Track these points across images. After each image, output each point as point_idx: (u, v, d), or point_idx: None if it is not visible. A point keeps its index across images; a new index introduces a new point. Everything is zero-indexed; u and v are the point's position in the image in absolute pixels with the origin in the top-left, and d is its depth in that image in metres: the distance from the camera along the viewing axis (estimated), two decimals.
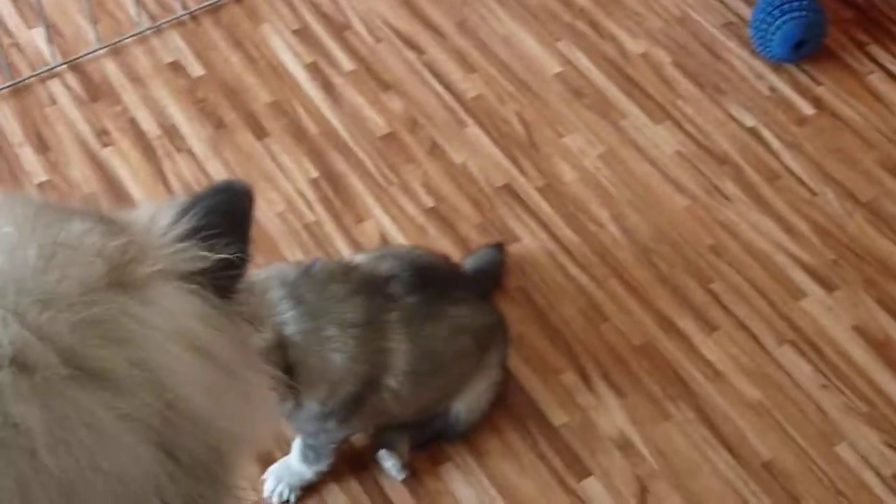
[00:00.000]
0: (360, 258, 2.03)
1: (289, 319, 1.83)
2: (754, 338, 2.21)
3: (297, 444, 2.02)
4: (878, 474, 2.05)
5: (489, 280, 2.26)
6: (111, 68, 2.68)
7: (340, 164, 2.49)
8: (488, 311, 2.11)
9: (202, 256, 1.11)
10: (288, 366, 1.82)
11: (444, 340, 1.99)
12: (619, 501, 2.03)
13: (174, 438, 1.05)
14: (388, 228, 2.37)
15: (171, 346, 1.06)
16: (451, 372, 2.04)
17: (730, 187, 2.43)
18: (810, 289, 2.27)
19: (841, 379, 2.16)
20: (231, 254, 1.14)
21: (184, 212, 1.13)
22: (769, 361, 2.18)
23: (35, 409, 0.95)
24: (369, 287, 1.92)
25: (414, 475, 2.07)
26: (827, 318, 2.24)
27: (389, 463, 2.05)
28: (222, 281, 1.14)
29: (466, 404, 2.08)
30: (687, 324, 2.23)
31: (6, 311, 0.97)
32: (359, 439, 2.09)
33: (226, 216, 1.14)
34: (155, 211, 1.15)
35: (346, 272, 1.93)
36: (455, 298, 2.03)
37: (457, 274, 2.13)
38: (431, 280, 2.00)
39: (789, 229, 2.36)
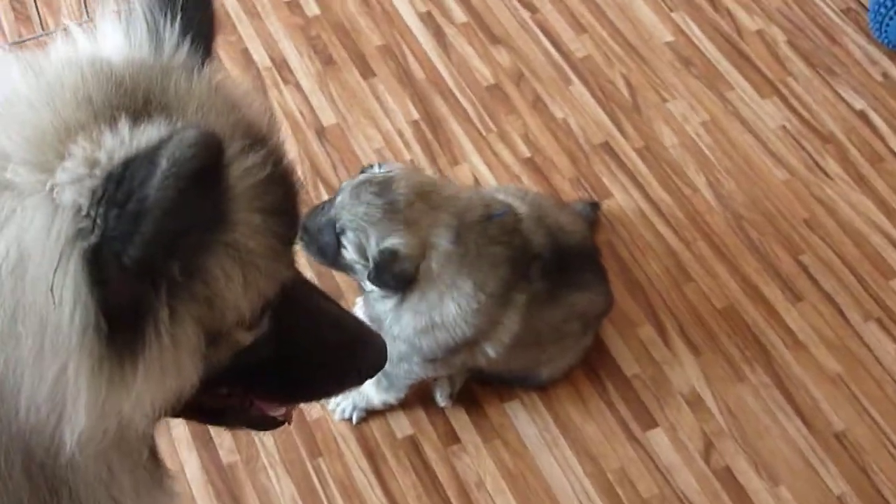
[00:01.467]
0: (524, 210, 1.98)
1: (442, 247, 1.82)
2: (840, 312, 2.18)
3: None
4: None
5: None
6: (231, 1, 2.73)
7: (442, 109, 2.50)
8: (605, 297, 2.09)
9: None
10: (412, 277, 1.83)
11: (554, 323, 2.00)
12: (684, 454, 2.01)
13: None
14: (482, 173, 2.38)
15: None
16: (550, 349, 2.05)
17: (832, 165, 2.39)
18: None
19: None
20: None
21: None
22: (852, 336, 2.15)
23: None
24: (517, 262, 1.90)
25: (479, 407, 2.07)
26: None
27: (438, 389, 2.05)
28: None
29: (552, 368, 2.08)
30: (772, 292, 2.20)
31: None
32: None
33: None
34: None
35: (511, 234, 1.90)
36: (581, 284, 2.01)
37: (592, 257, 2.09)
38: (568, 264, 1.98)
39: (889, 211, 2.32)
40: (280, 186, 1.04)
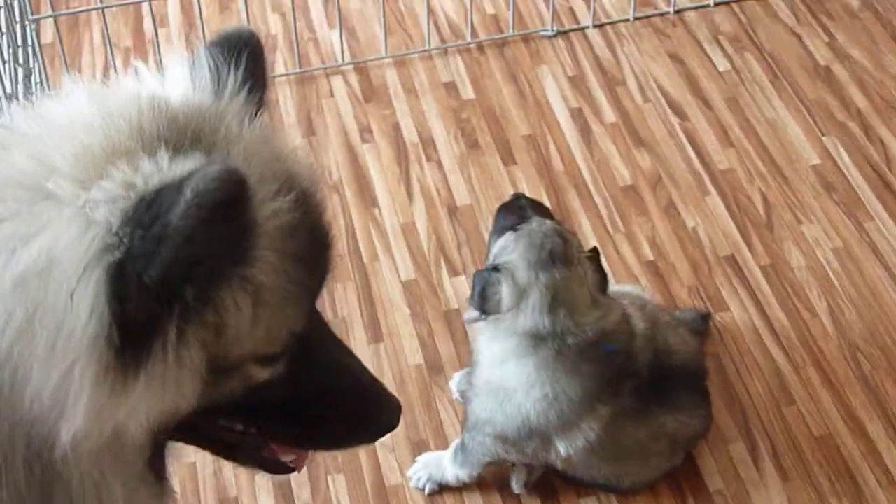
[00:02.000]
0: (640, 326, 1.96)
1: (535, 322, 1.83)
2: None
3: (454, 442, 2.06)
4: None
5: None
6: (391, 76, 2.84)
7: (575, 203, 2.53)
8: (700, 420, 2.06)
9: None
10: (495, 309, 1.85)
11: (640, 441, 1.98)
12: None
13: None
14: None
15: None
16: (630, 466, 2.04)
17: None
18: None
19: None
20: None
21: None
22: None
23: None
24: (609, 380, 1.90)
25: (555, 500, 2.07)
26: None
27: (515, 475, 2.06)
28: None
29: (634, 480, 2.07)
30: (875, 428, 2.15)
31: None
32: None
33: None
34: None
35: (611, 357, 1.91)
36: (674, 406, 1.99)
37: (696, 379, 2.06)
38: (665, 385, 1.97)
39: None
40: (309, 236, 1.10)
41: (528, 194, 2.49)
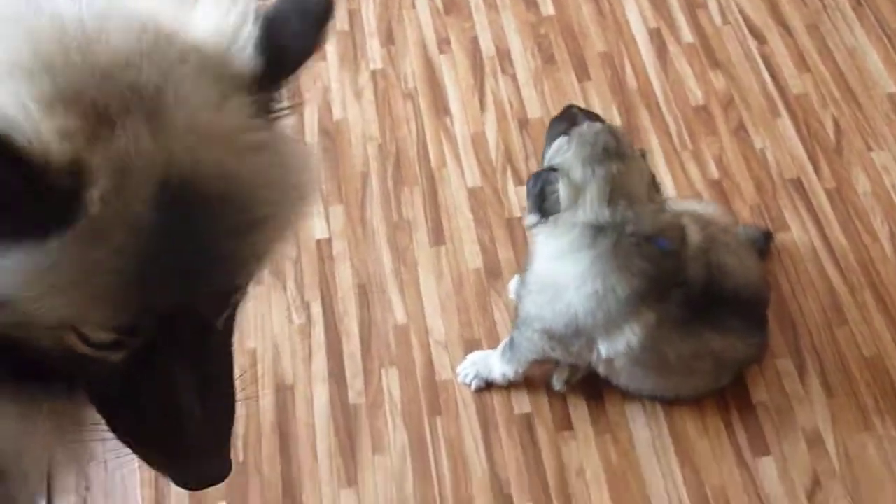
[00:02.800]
0: (696, 238, 1.99)
1: (593, 215, 1.87)
2: None
3: (503, 341, 2.11)
4: None
5: None
6: None
7: (645, 121, 2.56)
8: (753, 347, 2.09)
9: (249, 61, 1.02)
10: (554, 209, 1.89)
11: (683, 355, 2.01)
12: (788, 488, 2.00)
13: None
14: (665, 184, 2.39)
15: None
16: (671, 380, 2.07)
17: None
18: None
19: None
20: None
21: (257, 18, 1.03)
22: None
23: None
24: (658, 281, 1.93)
25: (600, 401, 2.12)
26: None
27: (556, 373, 2.11)
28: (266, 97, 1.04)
29: (677, 395, 2.11)
30: None
31: None
32: None
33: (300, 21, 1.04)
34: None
35: (663, 259, 1.92)
36: (723, 328, 2.01)
37: (751, 300, 2.07)
38: (714, 301, 1.99)
39: None
40: (155, 248, 0.98)
41: (600, 111, 2.54)
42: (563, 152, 1.92)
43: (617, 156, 1.88)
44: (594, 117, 2.02)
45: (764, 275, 2.16)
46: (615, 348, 1.97)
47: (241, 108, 1.02)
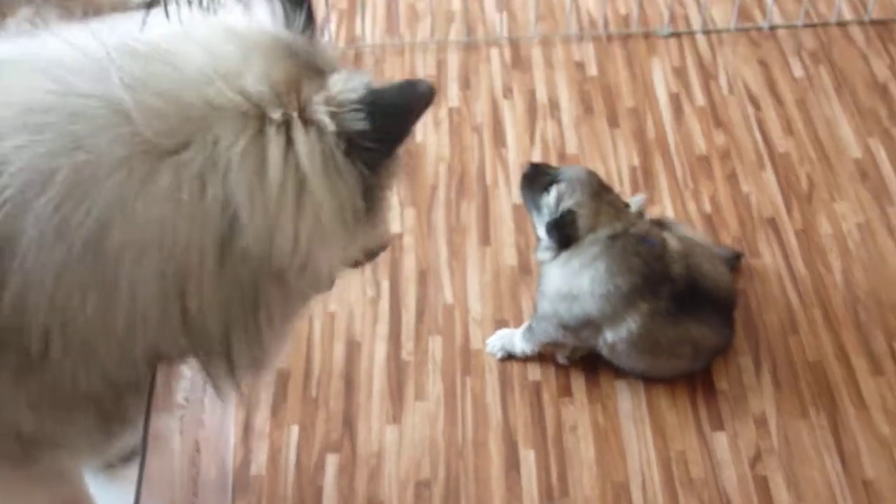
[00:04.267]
0: (675, 245, 2.03)
1: (603, 234, 1.94)
2: None
3: (524, 324, 2.16)
4: None
5: None
6: (536, 52, 2.92)
7: (658, 164, 2.59)
8: (722, 337, 2.11)
9: (355, 123, 1.06)
10: (574, 240, 1.95)
11: (669, 341, 2.03)
12: (735, 457, 2.01)
13: (227, 237, 1.01)
14: (668, 214, 2.45)
15: (250, 170, 1.02)
16: (660, 361, 2.09)
17: None
18: None
19: None
20: (380, 139, 1.07)
21: (369, 87, 1.09)
22: None
23: None
24: (650, 278, 1.97)
25: (595, 375, 2.15)
26: None
27: (561, 351, 2.15)
28: (363, 152, 1.08)
29: (661, 375, 2.13)
30: (859, 362, 2.16)
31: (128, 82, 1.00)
32: None
33: (396, 106, 1.08)
34: (350, 75, 1.11)
35: (654, 259, 1.97)
36: (701, 319, 2.04)
37: (722, 299, 2.10)
38: (694, 297, 2.02)
39: None
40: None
41: (623, 154, 2.58)
42: (571, 195, 1.96)
43: (604, 185, 1.96)
44: (555, 167, 2.09)
45: (732, 280, 2.18)
46: (618, 335, 2.01)
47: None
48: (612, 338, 2.01)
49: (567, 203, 1.96)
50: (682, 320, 2.02)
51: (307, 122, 1.05)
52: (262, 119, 1.03)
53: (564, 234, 1.94)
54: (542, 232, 2.01)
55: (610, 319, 2.00)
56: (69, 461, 1.22)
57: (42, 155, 0.95)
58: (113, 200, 0.97)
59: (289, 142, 1.03)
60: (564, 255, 1.98)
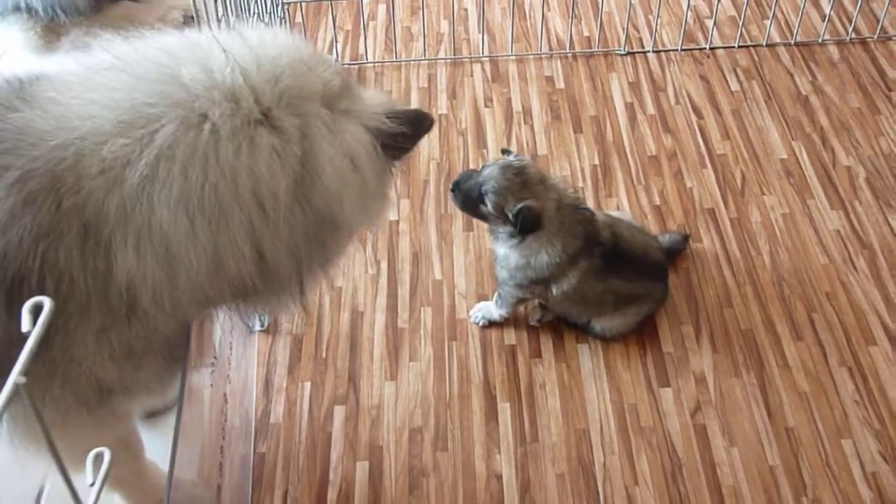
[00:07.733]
0: (601, 217, 2.06)
1: (550, 212, 1.93)
2: (824, 355, 2.15)
3: (495, 294, 2.18)
4: (863, 468, 1.95)
5: (671, 254, 2.31)
6: (512, 68, 2.94)
7: (615, 162, 2.62)
8: (641, 289, 2.10)
9: (389, 127, 1.20)
10: (540, 226, 1.94)
11: (595, 291, 2.05)
12: (679, 408, 2.05)
13: (302, 191, 1.08)
14: (624, 206, 2.48)
15: (333, 148, 1.11)
16: (589, 308, 2.10)
17: (861, 263, 2.34)
18: (882, 342, 2.17)
19: (871, 403, 2.06)
20: (404, 140, 1.23)
21: (395, 105, 1.24)
22: (826, 373, 2.12)
23: (228, 123, 1.04)
24: (588, 239, 2.00)
25: (561, 340, 2.18)
26: (884, 365, 2.13)
27: (532, 314, 2.18)
28: (391, 149, 1.22)
29: (601, 326, 2.15)
30: (783, 329, 2.20)
31: (238, 69, 1.06)
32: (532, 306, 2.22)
33: (412, 125, 1.24)
34: (381, 95, 1.27)
35: (587, 223, 1.99)
36: (623, 275, 2.06)
37: (640, 263, 2.10)
38: (618, 259, 2.04)
39: (891, 306, 2.25)
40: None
41: (586, 154, 2.60)
42: (505, 197, 1.93)
43: (517, 168, 1.95)
44: (474, 174, 2.02)
45: (655, 245, 2.16)
46: (561, 289, 2.03)
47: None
48: (556, 291, 2.04)
49: (507, 203, 1.92)
50: (608, 277, 2.05)
51: (356, 120, 1.17)
52: (331, 108, 1.14)
53: (531, 227, 1.95)
54: (500, 229, 1.99)
55: (555, 277, 2.02)
56: (131, 405, 1.24)
57: (168, 134, 1.01)
58: (224, 161, 1.03)
59: (348, 132, 1.15)
60: (527, 242, 1.99)
